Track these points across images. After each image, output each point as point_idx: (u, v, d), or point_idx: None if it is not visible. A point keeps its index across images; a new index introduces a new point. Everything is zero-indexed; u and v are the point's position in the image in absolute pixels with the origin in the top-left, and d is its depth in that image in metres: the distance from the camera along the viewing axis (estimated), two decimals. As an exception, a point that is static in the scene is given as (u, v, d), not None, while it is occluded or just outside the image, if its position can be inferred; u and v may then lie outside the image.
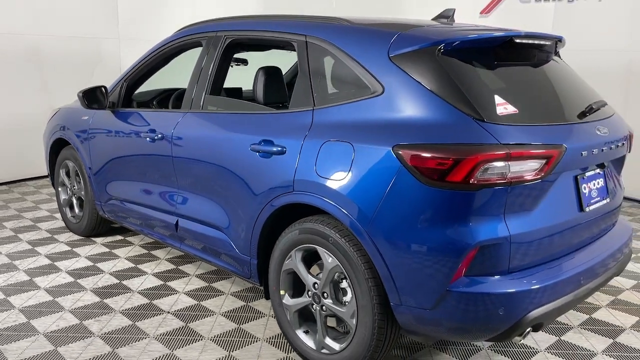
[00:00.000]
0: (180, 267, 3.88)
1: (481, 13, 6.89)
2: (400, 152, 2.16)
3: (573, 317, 3.20)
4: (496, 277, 2.15)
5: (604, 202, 2.59)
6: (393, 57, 2.37)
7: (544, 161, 2.14)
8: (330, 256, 2.45)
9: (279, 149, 2.61)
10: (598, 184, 2.56)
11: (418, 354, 2.80)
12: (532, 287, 2.15)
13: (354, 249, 2.34)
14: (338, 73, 2.63)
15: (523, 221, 2.18)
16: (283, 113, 2.77)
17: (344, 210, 2.33)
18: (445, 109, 2.19)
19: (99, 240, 4.42)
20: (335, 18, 2.76)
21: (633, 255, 4.25)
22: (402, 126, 2.25)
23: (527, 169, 2.12)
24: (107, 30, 6.88)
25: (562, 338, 2.97)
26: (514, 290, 2.11)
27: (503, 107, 2.20)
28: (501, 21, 6.65)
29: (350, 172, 2.31)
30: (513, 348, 2.87)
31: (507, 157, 2.06)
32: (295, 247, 2.60)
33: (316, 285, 2.55)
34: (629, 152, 2.80)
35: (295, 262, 2.62)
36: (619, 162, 2.80)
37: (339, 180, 2.34)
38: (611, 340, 2.96)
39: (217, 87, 3.23)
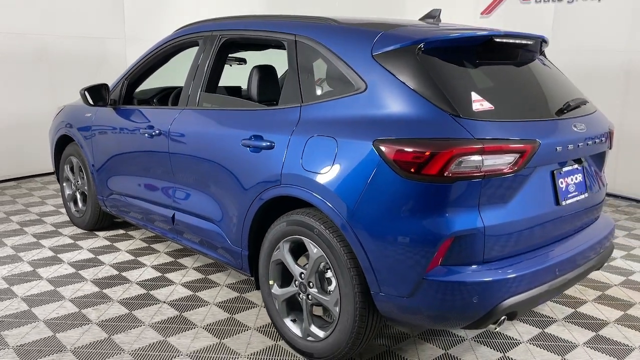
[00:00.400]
0: (179, 260, 4.00)
1: (482, 14, 6.95)
2: (379, 147, 2.25)
3: (558, 311, 3.27)
4: (471, 266, 2.23)
5: (582, 197, 2.66)
6: (376, 56, 2.46)
7: (517, 155, 2.22)
8: (315, 247, 2.54)
9: (268, 143, 2.71)
10: (576, 179, 2.63)
11: (402, 344, 2.88)
12: (505, 277, 2.22)
13: (337, 239, 2.43)
14: (325, 71, 2.73)
15: (498, 213, 2.26)
16: (273, 109, 2.87)
17: (327, 203, 2.42)
18: (424, 105, 2.28)
19: (101, 234, 4.55)
20: (324, 18, 2.85)
21: (625, 253, 4.29)
22: (382, 122, 2.34)
23: (501, 162, 2.20)
24: (113, 30, 7.03)
25: (545, 330, 3.04)
26: (486, 279, 2.19)
27: (479, 103, 2.29)
28: (501, 22, 6.71)
29: (333, 166, 2.40)
30: (496, 339, 2.94)
31: (481, 151, 2.14)
32: (283, 239, 2.70)
33: (302, 275, 2.65)
34: (610, 148, 2.87)
35: (283, 253, 2.72)
36: (599, 158, 2.86)
37: (323, 173, 2.43)
38: (594, 333, 3.02)
39: (212, 84, 3.33)
